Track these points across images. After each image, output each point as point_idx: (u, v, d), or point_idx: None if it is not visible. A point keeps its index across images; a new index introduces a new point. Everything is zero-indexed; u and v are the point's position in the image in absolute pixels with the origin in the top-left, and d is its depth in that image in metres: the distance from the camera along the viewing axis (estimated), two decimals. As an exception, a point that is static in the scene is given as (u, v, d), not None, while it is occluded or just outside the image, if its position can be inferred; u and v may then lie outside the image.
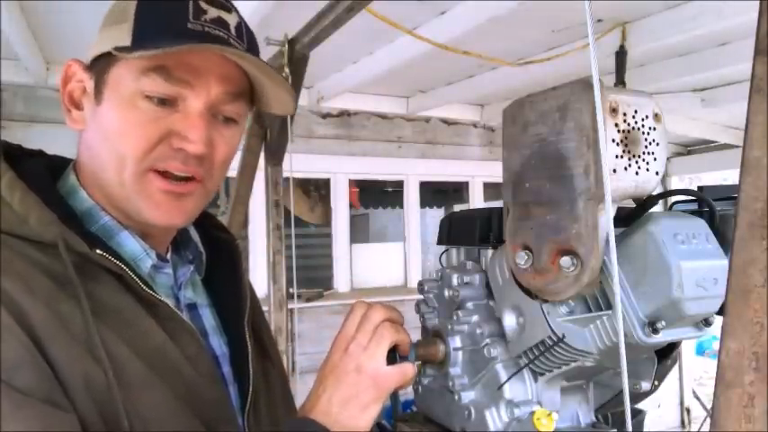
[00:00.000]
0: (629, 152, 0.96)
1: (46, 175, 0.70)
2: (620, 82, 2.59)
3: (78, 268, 0.62)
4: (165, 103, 0.67)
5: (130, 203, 0.69)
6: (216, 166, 0.72)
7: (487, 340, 1.19)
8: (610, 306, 0.98)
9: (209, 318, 0.81)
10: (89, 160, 0.71)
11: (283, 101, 0.76)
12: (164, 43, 0.63)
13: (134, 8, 0.66)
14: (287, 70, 2.20)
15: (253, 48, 0.73)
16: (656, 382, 1.16)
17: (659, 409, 4.95)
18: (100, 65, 0.69)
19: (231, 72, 0.70)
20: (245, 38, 0.71)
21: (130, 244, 0.72)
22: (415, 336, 1.36)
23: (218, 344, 0.80)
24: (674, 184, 5.27)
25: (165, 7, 0.67)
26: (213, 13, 0.68)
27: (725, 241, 0.97)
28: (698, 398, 5.10)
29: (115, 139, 0.68)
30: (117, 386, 0.59)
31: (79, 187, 0.72)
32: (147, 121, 0.67)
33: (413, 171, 4.57)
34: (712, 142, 4.97)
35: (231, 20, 0.70)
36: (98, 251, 0.64)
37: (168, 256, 0.79)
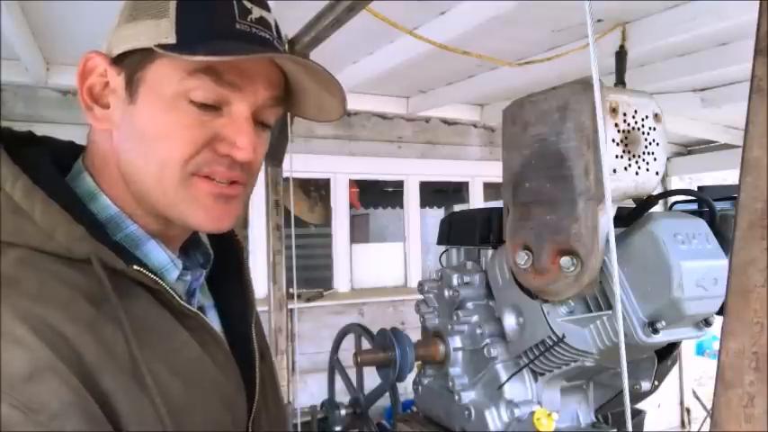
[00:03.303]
0: (629, 152, 0.97)
1: (59, 176, 0.65)
2: (620, 82, 2.59)
3: (112, 284, 0.58)
4: (209, 106, 0.63)
5: (174, 209, 0.65)
6: (254, 170, 0.70)
7: (487, 340, 1.19)
8: (610, 306, 0.98)
9: (215, 320, 0.79)
10: (117, 163, 0.66)
11: (327, 107, 0.72)
12: (217, 45, 0.60)
13: (174, 3, 0.62)
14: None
15: (281, 41, 0.70)
16: (656, 382, 1.16)
17: (659, 409, 4.95)
18: (132, 60, 0.64)
19: (276, 76, 0.67)
20: (281, 36, 0.69)
21: (158, 254, 0.68)
22: (415, 336, 1.36)
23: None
24: (674, 184, 5.27)
25: (209, 5, 0.63)
26: (257, 12, 0.65)
27: (725, 241, 0.97)
28: (698, 398, 5.09)
29: (155, 142, 0.63)
30: (167, 414, 0.57)
31: (99, 191, 0.67)
32: (192, 124, 0.63)
33: (413, 171, 4.57)
34: (712, 142, 4.97)
35: (271, 19, 0.68)
36: (135, 267, 0.60)
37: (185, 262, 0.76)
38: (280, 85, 0.68)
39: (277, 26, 0.69)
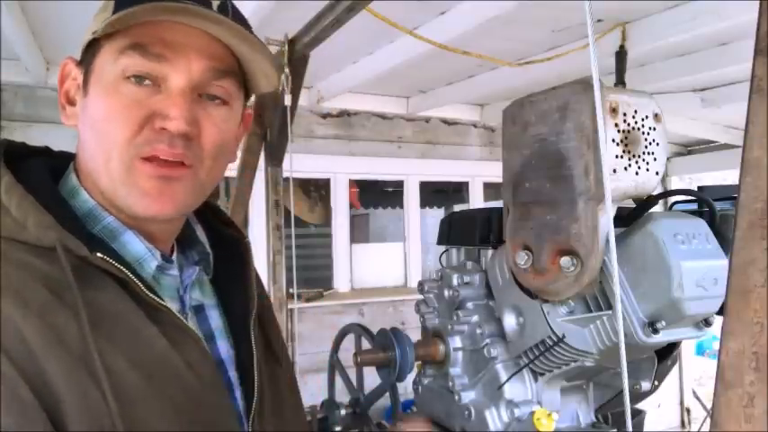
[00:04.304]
0: (629, 152, 0.97)
1: (46, 175, 0.68)
2: (620, 82, 2.59)
3: (78, 273, 0.60)
4: (146, 83, 0.65)
5: (119, 195, 0.67)
6: (206, 151, 0.68)
7: (487, 340, 1.19)
8: (610, 306, 0.98)
9: (216, 319, 0.79)
10: (82, 155, 0.70)
11: (268, 72, 0.73)
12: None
13: None
14: (287, 70, 2.20)
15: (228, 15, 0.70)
16: (656, 382, 1.16)
17: (659, 409, 4.95)
18: (86, 56, 0.68)
19: (214, 48, 0.68)
20: (231, 16, 0.68)
21: (135, 244, 0.69)
22: (415, 336, 1.36)
23: (226, 347, 0.78)
24: (674, 184, 5.27)
25: None
26: None
27: (725, 241, 0.97)
28: (698, 398, 5.09)
29: (100, 127, 0.66)
30: (114, 402, 0.57)
31: (80, 187, 0.70)
32: (129, 104, 0.65)
33: (413, 171, 4.56)
34: (712, 142, 4.97)
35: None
36: (98, 254, 0.62)
37: (173, 256, 0.76)
38: (221, 57, 0.69)
39: (224, 5, 0.68)
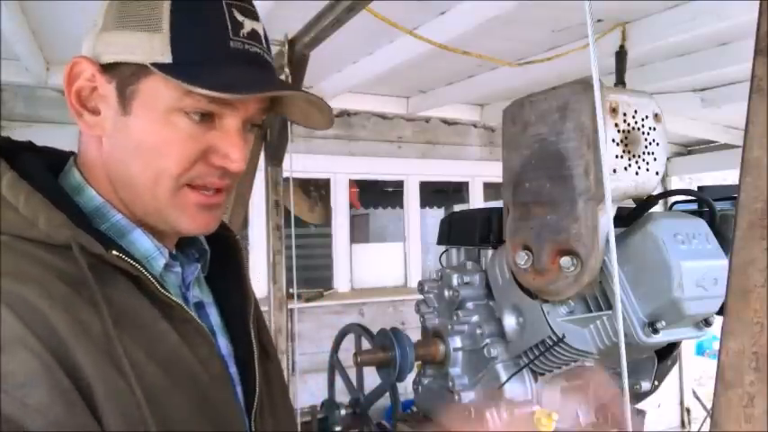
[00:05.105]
0: (629, 152, 0.97)
1: (48, 172, 0.68)
2: (620, 82, 2.59)
3: (92, 270, 0.60)
4: (204, 119, 0.66)
5: (162, 215, 0.69)
6: (240, 174, 0.72)
7: (487, 340, 1.19)
8: (610, 306, 0.98)
9: (215, 316, 0.81)
10: (110, 168, 0.69)
11: (313, 119, 0.76)
12: (217, 73, 0.63)
13: (167, 16, 0.63)
14: (287, 70, 2.20)
15: (270, 51, 0.73)
16: (656, 382, 1.16)
17: (659, 409, 4.95)
18: (125, 72, 0.65)
19: None
20: (269, 46, 0.72)
21: (143, 242, 0.70)
22: (415, 336, 1.36)
23: (225, 343, 0.79)
24: (674, 184, 5.27)
25: (203, 19, 0.64)
26: (248, 25, 0.67)
27: (725, 241, 0.97)
28: (698, 398, 5.09)
29: (151, 155, 0.66)
30: (141, 393, 0.58)
31: (86, 185, 0.70)
32: (187, 138, 0.66)
33: (413, 171, 4.56)
34: (712, 142, 4.97)
35: (260, 29, 0.69)
36: (114, 252, 0.62)
37: (174, 253, 0.77)
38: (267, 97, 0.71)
39: (266, 34, 0.71)
